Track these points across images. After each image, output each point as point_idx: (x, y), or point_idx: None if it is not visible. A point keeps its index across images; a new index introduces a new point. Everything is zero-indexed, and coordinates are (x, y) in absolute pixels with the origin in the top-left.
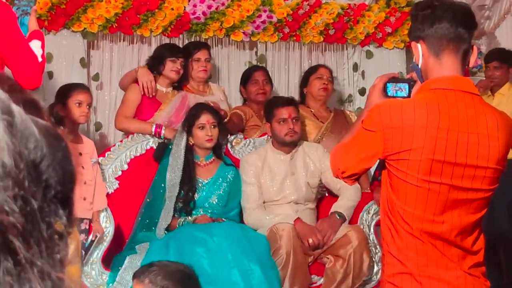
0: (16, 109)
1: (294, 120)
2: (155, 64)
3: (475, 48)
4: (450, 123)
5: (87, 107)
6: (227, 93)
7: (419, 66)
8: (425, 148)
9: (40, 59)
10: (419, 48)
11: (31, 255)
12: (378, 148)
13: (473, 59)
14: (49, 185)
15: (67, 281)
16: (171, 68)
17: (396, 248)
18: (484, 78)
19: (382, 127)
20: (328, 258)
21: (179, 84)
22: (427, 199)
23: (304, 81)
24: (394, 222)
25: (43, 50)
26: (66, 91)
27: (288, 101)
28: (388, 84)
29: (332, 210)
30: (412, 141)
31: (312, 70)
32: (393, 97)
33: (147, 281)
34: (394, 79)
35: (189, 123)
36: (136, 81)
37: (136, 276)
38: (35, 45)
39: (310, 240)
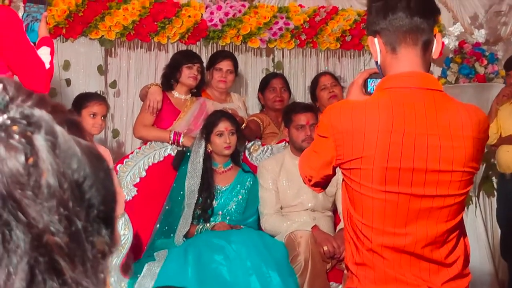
0: (59, 129)
1: (311, 127)
2: (172, 72)
3: (438, 36)
4: (405, 126)
5: (102, 118)
6: (243, 99)
7: (378, 62)
8: (377, 155)
9: (47, 66)
10: (375, 43)
11: (77, 274)
12: (332, 154)
13: (438, 49)
14: (92, 205)
15: None
16: (188, 74)
17: (354, 264)
18: (505, 86)
19: (333, 133)
20: None
21: (198, 90)
22: (385, 211)
23: (313, 96)
24: (353, 237)
25: (52, 57)
26: (82, 101)
27: (307, 108)
28: (368, 80)
29: (339, 227)
30: (363, 148)
31: (314, 83)
32: (372, 93)
33: None
34: (376, 75)
35: (207, 130)
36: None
37: None
38: (43, 52)
39: (325, 248)
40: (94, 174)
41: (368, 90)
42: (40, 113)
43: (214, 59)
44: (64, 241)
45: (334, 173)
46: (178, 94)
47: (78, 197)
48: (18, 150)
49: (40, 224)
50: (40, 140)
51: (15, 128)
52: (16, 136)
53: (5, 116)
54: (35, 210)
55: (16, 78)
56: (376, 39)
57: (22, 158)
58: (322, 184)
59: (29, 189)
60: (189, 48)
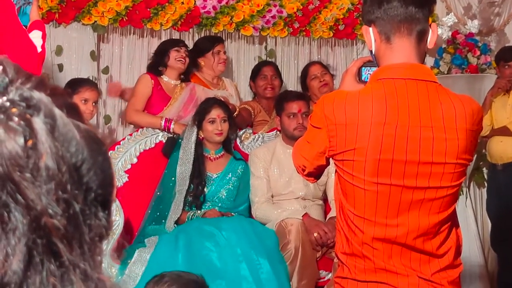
0: (58, 113)
1: (303, 115)
2: (159, 58)
3: (434, 26)
4: (399, 118)
5: (93, 104)
6: (235, 84)
7: (373, 52)
8: (370, 147)
9: (39, 50)
10: (370, 33)
11: (74, 257)
12: (325, 145)
13: (433, 39)
14: (90, 188)
15: (110, 282)
16: (176, 57)
17: (344, 254)
18: (498, 77)
19: (326, 124)
20: None
21: (186, 76)
22: (376, 202)
23: (303, 86)
24: (344, 228)
25: (44, 41)
26: (73, 86)
27: (299, 96)
28: (362, 68)
29: (329, 216)
30: (356, 139)
31: (304, 73)
32: (366, 82)
33: None
34: (370, 63)
35: (199, 117)
36: (147, 71)
37: (148, 287)
38: (35, 36)
39: (316, 234)
40: (92, 157)
41: (362, 79)
42: (40, 96)
43: (210, 43)
44: (62, 223)
45: (327, 164)
46: (167, 79)
47: (76, 180)
48: (17, 132)
49: (39, 206)
50: (39, 123)
51: (14, 110)
52: (16, 118)
53: (4, 98)
54: (34, 192)
55: None
56: (370, 29)
57: (21, 140)
58: (315, 174)
59: (28, 171)
60: (181, 35)
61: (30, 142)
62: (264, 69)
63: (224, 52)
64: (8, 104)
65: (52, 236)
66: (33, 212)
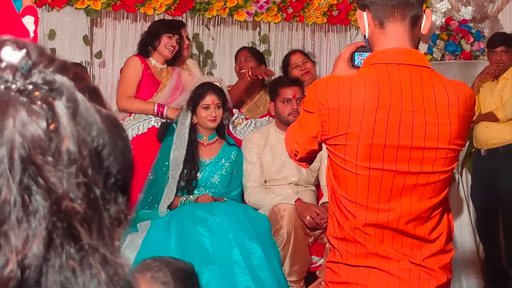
0: (80, 97)
1: (298, 101)
2: (151, 40)
3: (428, 11)
4: (391, 103)
5: None
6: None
7: (366, 37)
8: (363, 132)
9: (32, 35)
10: (364, 18)
11: (94, 241)
12: (318, 130)
13: (427, 25)
14: (110, 173)
15: (127, 267)
16: (166, 43)
17: (336, 239)
18: (488, 64)
19: (318, 108)
20: None
21: (172, 61)
22: (368, 187)
23: (285, 75)
24: (336, 213)
25: (36, 26)
26: None
27: (293, 81)
28: (355, 53)
29: (321, 201)
30: (348, 124)
31: (286, 62)
32: (359, 67)
33: (149, 275)
34: (363, 48)
35: (193, 102)
36: (136, 54)
37: (137, 270)
38: (27, 21)
39: (308, 217)
40: (113, 142)
41: (355, 64)
42: (62, 80)
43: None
44: (82, 207)
45: (320, 148)
46: (155, 62)
47: (97, 165)
48: (40, 115)
49: (60, 190)
50: (61, 107)
51: (37, 93)
52: (38, 102)
53: (28, 81)
54: (55, 176)
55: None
56: (364, 13)
57: (43, 123)
58: (307, 159)
59: (50, 155)
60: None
61: (52, 126)
62: (237, 56)
63: (187, 37)
64: (31, 87)
65: (72, 220)
66: (54, 195)
